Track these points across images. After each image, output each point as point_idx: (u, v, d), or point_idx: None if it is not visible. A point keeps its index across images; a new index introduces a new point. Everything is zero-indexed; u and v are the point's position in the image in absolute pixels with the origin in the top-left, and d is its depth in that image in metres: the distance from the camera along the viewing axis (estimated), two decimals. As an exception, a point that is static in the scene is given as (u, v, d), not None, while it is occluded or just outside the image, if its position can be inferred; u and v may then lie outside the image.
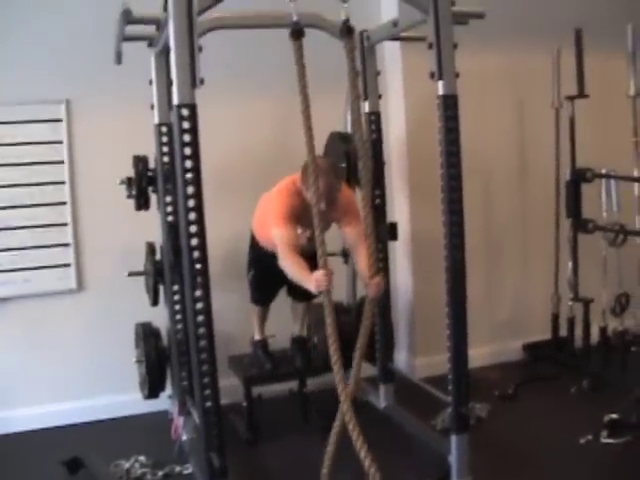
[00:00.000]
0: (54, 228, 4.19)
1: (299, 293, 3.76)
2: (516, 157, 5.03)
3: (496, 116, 4.90)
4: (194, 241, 2.84)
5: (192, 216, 2.83)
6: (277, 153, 4.50)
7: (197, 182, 2.82)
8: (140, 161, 3.83)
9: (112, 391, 4.32)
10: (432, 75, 3.11)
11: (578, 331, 4.77)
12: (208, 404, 2.92)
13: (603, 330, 4.58)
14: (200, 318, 2.88)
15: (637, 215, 4.45)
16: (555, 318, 4.92)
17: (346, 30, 2.94)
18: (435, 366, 4.23)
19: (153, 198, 3.88)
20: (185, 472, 3.54)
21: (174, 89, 2.77)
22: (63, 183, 4.19)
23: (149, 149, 3.81)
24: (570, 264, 4.72)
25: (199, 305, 2.87)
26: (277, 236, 3.38)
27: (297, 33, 2.85)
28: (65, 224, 4.21)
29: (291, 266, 3.28)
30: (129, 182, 3.83)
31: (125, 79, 3.91)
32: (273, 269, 3.51)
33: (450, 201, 3.17)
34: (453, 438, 3.30)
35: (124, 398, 4.29)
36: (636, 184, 4.43)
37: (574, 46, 4.53)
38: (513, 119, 5.00)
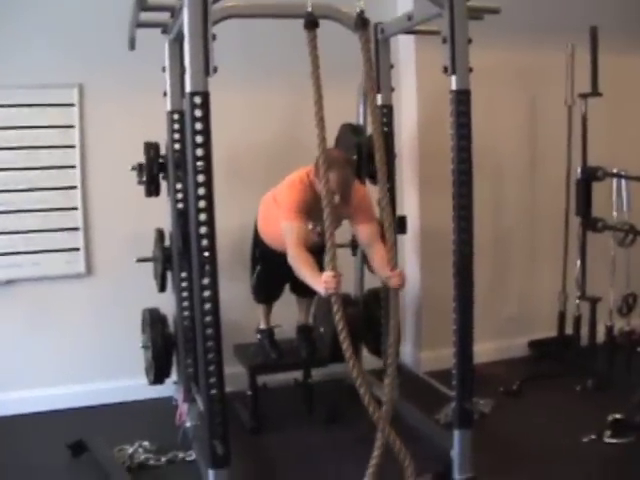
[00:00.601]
0: (64, 212, 4.21)
1: (302, 290, 3.75)
2: (527, 154, 5.01)
3: (508, 112, 4.89)
4: (203, 229, 2.85)
5: (202, 204, 2.83)
6: (288, 143, 4.51)
7: (208, 170, 2.82)
8: (151, 148, 3.84)
9: (117, 376, 4.35)
10: (445, 70, 3.10)
11: (584, 330, 4.76)
12: (213, 392, 2.93)
13: (610, 329, 4.57)
14: (207, 306, 2.89)
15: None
16: (562, 316, 4.91)
17: (361, 22, 2.93)
18: (441, 360, 4.21)
19: (163, 185, 3.89)
20: (188, 459, 3.56)
21: (187, 77, 2.77)
22: (74, 167, 4.21)
23: (161, 136, 3.82)
24: (578, 262, 4.70)
25: (206, 293, 2.88)
26: (287, 230, 3.31)
27: (311, 24, 2.84)
28: (75, 208, 4.23)
29: (300, 264, 3.21)
30: (140, 168, 3.85)
31: (138, 65, 3.93)
32: (277, 268, 3.52)
33: (460, 196, 3.17)
34: (456, 433, 3.31)
35: (129, 383, 4.32)
36: (648, 184, 4.41)
37: (588, 43, 4.49)
38: (525, 116, 4.99)
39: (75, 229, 4.24)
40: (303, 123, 4.47)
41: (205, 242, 2.86)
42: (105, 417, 4.15)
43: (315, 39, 2.85)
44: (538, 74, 4.87)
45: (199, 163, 2.81)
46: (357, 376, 2.86)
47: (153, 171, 3.82)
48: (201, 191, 2.83)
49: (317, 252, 3.32)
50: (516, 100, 4.91)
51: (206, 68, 2.76)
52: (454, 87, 3.11)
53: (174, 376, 4.14)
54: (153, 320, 4.00)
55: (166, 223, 3.92)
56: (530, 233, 5.06)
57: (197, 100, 2.78)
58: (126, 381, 4.33)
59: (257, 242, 3.91)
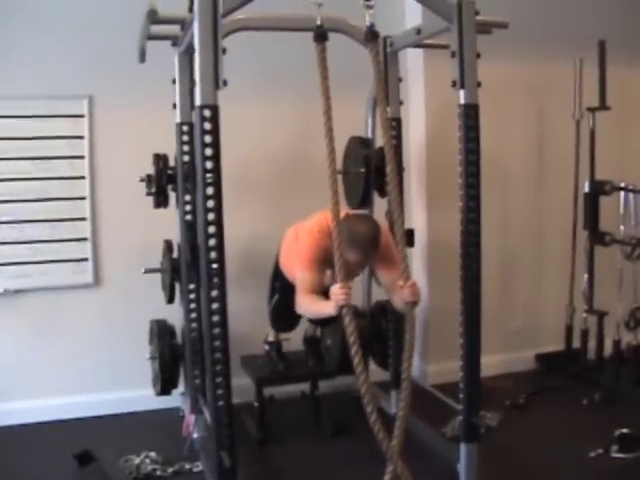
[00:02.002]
0: (73, 222, 4.23)
1: (320, 321, 3.79)
2: (535, 167, 5.02)
3: (516, 126, 4.90)
4: (212, 241, 2.86)
5: (211, 216, 2.84)
6: (296, 156, 4.54)
7: (217, 183, 2.83)
8: (160, 159, 3.86)
9: (124, 386, 4.35)
10: (454, 84, 3.11)
11: (591, 343, 4.75)
12: (220, 403, 2.93)
13: (617, 343, 4.56)
14: (215, 318, 2.89)
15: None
16: (569, 329, 4.91)
17: (371, 35, 2.94)
18: (447, 373, 4.21)
19: (172, 196, 3.91)
20: (195, 470, 3.56)
21: (197, 90, 2.79)
22: (83, 178, 4.23)
23: (169, 147, 3.84)
24: (585, 276, 4.70)
25: (215, 305, 2.88)
26: (299, 279, 3.32)
27: (321, 37, 2.86)
28: (84, 219, 4.25)
29: (307, 307, 3.25)
30: (149, 179, 3.86)
31: (148, 77, 3.94)
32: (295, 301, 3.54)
33: (468, 210, 3.17)
34: (462, 447, 3.30)
35: (136, 394, 4.32)
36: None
37: (597, 57, 4.51)
38: (533, 129, 4.99)
39: (83, 239, 4.26)
40: (312, 135, 4.49)
41: (214, 254, 2.87)
42: (112, 427, 4.15)
43: (324, 52, 2.87)
44: (546, 88, 4.88)
45: (208, 175, 2.82)
46: (365, 393, 2.80)
47: (162, 182, 3.83)
48: (210, 203, 2.84)
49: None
50: (524, 114, 4.92)
51: (216, 81, 2.77)
52: (462, 101, 3.12)
53: (181, 387, 4.15)
54: (161, 331, 4.01)
55: (174, 234, 3.93)
56: (537, 246, 5.06)
57: (207, 113, 2.79)
58: (133, 392, 4.33)
59: (277, 274, 3.88)
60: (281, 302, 3.89)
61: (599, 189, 4.47)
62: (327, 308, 2.98)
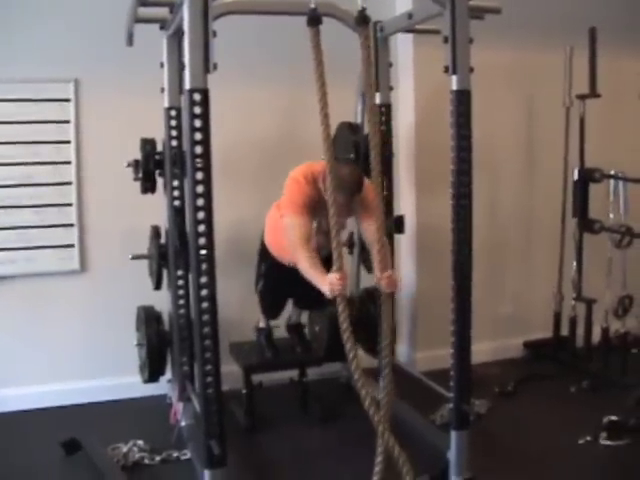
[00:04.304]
0: (59, 208, 4.17)
1: (306, 304, 3.75)
2: (524, 154, 5.00)
3: (505, 112, 4.87)
4: (201, 227, 2.82)
5: (200, 202, 2.81)
6: (283, 141, 4.50)
7: (206, 168, 2.79)
8: (148, 144, 3.81)
9: (111, 373, 4.32)
10: (446, 69, 3.09)
11: (579, 331, 4.76)
12: (210, 391, 2.90)
13: (605, 331, 4.57)
14: (205, 305, 2.87)
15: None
16: (557, 317, 4.91)
17: (362, 19, 2.90)
18: (436, 360, 4.22)
19: (159, 181, 3.86)
20: (183, 458, 3.53)
21: (186, 73, 2.75)
22: (69, 163, 4.17)
23: (157, 132, 3.80)
24: (574, 263, 4.70)
25: (204, 292, 2.86)
26: (290, 226, 3.26)
27: (314, 20, 2.81)
28: (70, 204, 4.19)
29: (305, 262, 3.14)
30: (136, 165, 3.82)
31: (135, 61, 3.88)
32: (281, 284, 3.50)
33: (459, 196, 3.15)
34: (453, 434, 3.29)
35: (123, 381, 4.29)
36: (645, 186, 4.41)
37: (587, 45, 4.49)
38: (523, 116, 4.98)
39: (70, 225, 4.20)
40: (299, 120, 4.49)
41: (203, 240, 2.83)
42: (99, 415, 4.12)
43: (318, 35, 2.82)
44: (536, 74, 4.85)
45: (198, 161, 2.78)
46: (359, 378, 2.83)
47: (149, 168, 3.79)
48: (199, 189, 2.80)
49: (324, 259, 3.26)
50: (513, 100, 4.90)
51: (206, 65, 2.73)
52: (455, 87, 3.09)
53: (168, 374, 4.11)
54: (148, 318, 3.97)
55: (162, 220, 3.89)
56: (526, 234, 5.06)
57: (196, 97, 2.75)
58: (120, 379, 4.30)
59: (264, 256, 3.84)
60: (267, 287, 3.88)
61: (588, 176, 4.46)
62: (322, 286, 2.96)
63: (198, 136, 2.78)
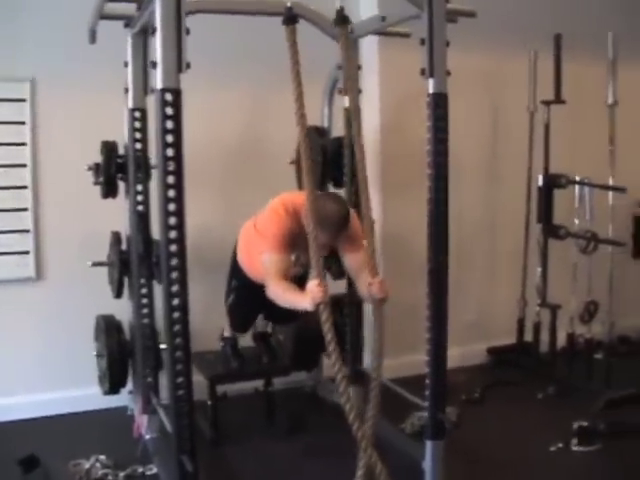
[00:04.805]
0: (13, 213, 3.99)
1: (277, 318, 3.65)
2: (488, 160, 4.99)
3: (468, 117, 4.81)
4: (172, 233, 2.71)
5: (172, 207, 2.70)
6: (248, 145, 4.39)
7: (179, 172, 2.69)
8: (109, 147, 3.66)
9: (68, 385, 4.14)
10: (423, 72, 3.03)
11: (543, 337, 4.76)
12: (181, 405, 2.78)
13: (571, 337, 4.58)
14: (176, 315, 2.76)
15: (610, 224, 4.44)
16: (521, 323, 4.91)
17: (341, 20, 2.83)
18: (401, 368, 4.17)
19: (121, 186, 3.72)
20: (148, 473, 3.39)
21: (158, 72, 2.63)
22: (25, 166, 3.99)
23: (118, 134, 3.66)
24: (539, 269, 4.70)
25: (175, 301, 2.75)
26: (268, 261, 3.12)
27: (290, 19, 2.73)
28: (25, 209, 4.01)
29: (282, 294, 3.03)
30: (97, 168, 3.67)
31: (96, 60, 3.73)
32: (252, 299, 3.41)
33: (436, 202, 3.10)
34: (428, 444, 3.23)
35: (81, 393, 4.12)
36: (610, 193, 4.42)
37: (552, 50, 4.49)
38: (486, 121, 4.96)
39: (25, 231, 4.02)
40: (265, 124, 4.39)
41: (174, 247, 2.72)
42: (57, 429, 3.93)
43: (294, 34, 2.74)
44: (500, 80, 4.85)
45: (169, 164, 2.67)
46: (344, 391, 2.76)
47: (111, 172, 3.64)
48: (171, 193, 2.69)
49: (298, 280, 3.18)
50: (477, 105, 4.87)
51: (179, 63, 2.63)
52: (432, 90, 3.04)
53: (129, 385, 3.96)
54: (108, 327, 3.81)
55: (123, 226, 3.76)
56: (490, 240, 5.04)
57: (169, 97, 2.64)
58: (77, 391, 4.13)
59: (235, 272, 3.67)
60: (237, 302, 3.73)
61: (554, 182, 4.46)
62: (303, 302, 2.83)
63: (170, 138, 2.67)
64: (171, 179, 2.68)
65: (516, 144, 4.86)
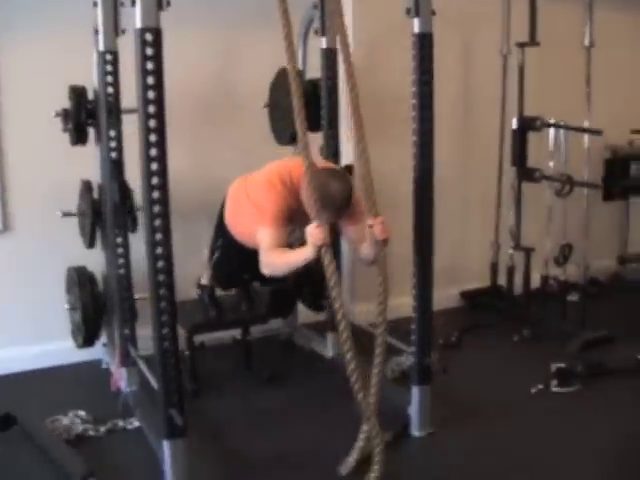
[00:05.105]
0: (-25, 163, 3.80)
1: (264, 279, 3.39)
2: (460, 103, 4.91)
3: (438, 60, 4.67)
4: (155, 180, 2.59)
5: (153, 152, 2.56)
6: (218, 87, 4.24)
7: (160, 115, 2.55)
8: (78, 92, 3.50)
9: (40, 339, 4.01)
10: (408, 11, 2.96)
11: (516, 280, 4.78)
12: (167, 357, 2.70)
13: (545, 279, 4.60)
14: (160, 264, 2.65)
15: (586, 167, 4.43)
16: (494, 266, 4.92)
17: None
18: (374, 313, 4.13)
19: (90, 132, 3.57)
20: (129, 427, 3.31)
21: (137, 11, 2.48)
22: (-14, 114, 3.80)
23: (85, 79, 3.51)
24: (512, 213, 4.69)
25: (159, 250, 2.64)
26: (264, 237, 3.00)
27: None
28: (-12, 159, 3.83)
29: (278, 259, 2.93)
30: (65, 114, 3.51)
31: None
32: (240, 257, 3.31)
33: (422, 144, 3.06)
34: (415, 389, 3.24)
35: (53, 347, 4.01)
36: (586, 136, 4.40)
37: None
38: (457, 64, 4.87)
39: (-11, 182, 3.85)
40: (234, 66, 4.25)
41: (157, 194, 2.60)
42: (31, 385, 3.83)
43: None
44: (472, 21, 4.75)
45: (150, 107, 2.54)
46: (351, 359, 2.73)
47: (81, 118, 3.48)
48: (152, 138, 2.55)
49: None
50: (447, 47, 4.73)
51: (159, 1, 2.49)
52: (417, 30, 2.99)
53: (103, 338, 3.88)
54: (81, 279, 3.70)
55: (94, 174, 3.62)
56: (462, 183, 4.99)
57: (148, 37, 2.49)
58: (50, 345, 4.01)
59: (221, 230, 3.52)
60: (222, 261, 3.60)
61: (528, 125, 4.42)
62: (303, 254, 2.75)
63: (150, 80, 2.52)
64: (152, 123, 2.54)
65: (488, 87, 4.80)
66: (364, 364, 2.82)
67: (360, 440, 2.87)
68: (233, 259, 3.49)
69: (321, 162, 3.33)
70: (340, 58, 3.70)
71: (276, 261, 2.96)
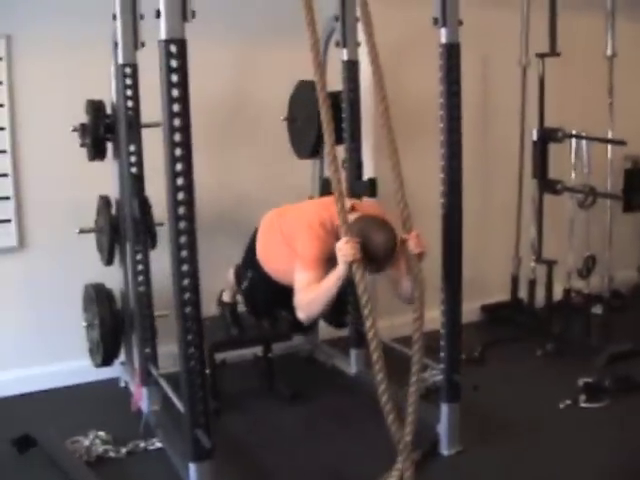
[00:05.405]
0: (-8, 179, 3.74)
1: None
2: (478, 115, 4.85)
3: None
4: (180, 195, 2.54)
5: (179, 167, 2.52)
6: (236, 99, 4.18)
7: (186, 128, 2.51)
8: (95, 106, 3.45)
9: (57, 358, 3.94)
10: (435, 21, 2.92)
11: (537, 293, 4.71)
12: (194, 377, 2.64)
13: (567, 292, 4.52)
14: (186, 282, 2.59)
15: (608, 178, 4.37)
16: (515, 280, 4.85)
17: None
18: (397, 328, 4.06)
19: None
20: (150, 448, 3.24)
21: (162, 22, 2.44)
22: (3, 129, 3.72)
23: (103, 93, 3.47)
24: (534, 225, 4.62)
25: (185, 267, 2.58)
26: (304, 280, 2.83)
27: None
28: (5, 175, 3.75)
29: (314, 297, 2.77)
30: (83, 129, 3.46)
31: (78, 13, 3.51)
32: (270, 290, 3.26)
33: (450, 156, 3.04)
34: (444, 407, 3.17)
35: (70, 366, 3.94)
36: (609, 146, 4.34)
37: (544, 2, 4.36)
38: (475, 75, 4.82)
39: (5, 198, 3.77)
40: (251, 80, 4.19)
41: (182, 210, 2.55)
42: (48, 405, 3.74)
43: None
44: (491, 32, 4.69)
45: (176, 121, 2.49)
46: (384, 391, 2.65)
47: (99, 132, 3.43)
48: (178, 152, 2.51)
49: None
50: (465, 58, 4.72)
51: (184, 12, 2.44)
52: (444, 40, 2.96)
53: (121, 356, 3.81)
54: (99, 296, 3.63)
55: (112, 189, 3.56)
56: (482, 196, 4.92)
57: (173, 49, 2.45)
58: (66, 364, 3.94)
59: (252, 262, 3.36)
60: (252, 293, 3.48)
61: (549, 136, 4.36)
62: (334, 275, 2.66)
63: (176, 92, 2.48)
64: (178, 137, 2.50)
65: (507, 99, 4.73)
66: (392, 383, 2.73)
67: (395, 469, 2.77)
68: (263, 293, 3.39)
69: (357, 204, 3.16)
70: (363, 69, 3.76)
71: (311, 296, 2.79)
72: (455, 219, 3.05)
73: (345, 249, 2.58)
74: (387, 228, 2.80)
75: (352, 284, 2.65)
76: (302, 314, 2.85)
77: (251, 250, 3.37)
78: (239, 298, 3.78)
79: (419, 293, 2.80)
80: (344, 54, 3.68)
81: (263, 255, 3.31)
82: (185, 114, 2.50)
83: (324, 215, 2.94)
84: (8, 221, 3.79)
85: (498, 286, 4.91)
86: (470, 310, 4.89)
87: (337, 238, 2.72)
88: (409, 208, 2.84)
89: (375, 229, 2.75)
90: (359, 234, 2.64)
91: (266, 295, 3.40)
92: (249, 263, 3.41)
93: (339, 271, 2.64)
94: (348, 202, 2.82)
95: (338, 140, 3.77)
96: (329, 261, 2.81)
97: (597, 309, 4.52)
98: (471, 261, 4.89)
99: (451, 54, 2.92)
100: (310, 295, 2.78)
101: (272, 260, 3.24)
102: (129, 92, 3.27)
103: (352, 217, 2.76)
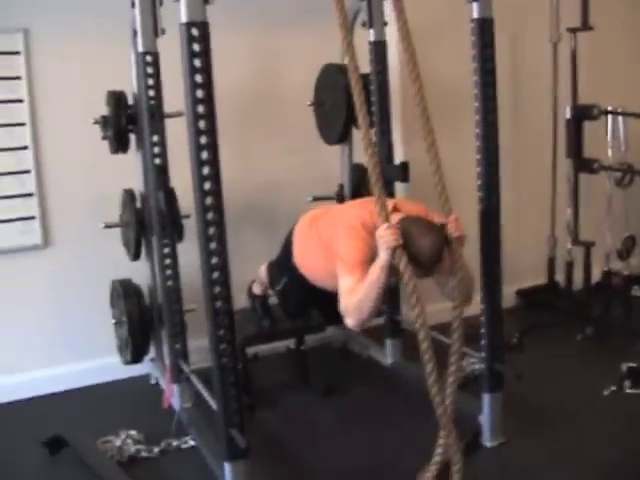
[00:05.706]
0: (15, 176, 3.66)
1: (332, 315, 3.04)
2: (509, 93, 4.69)
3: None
4: (207, 185, 2.44)
5: (205, 156, 2.42)
6: (260, 87, 4.07)
7: (211, 115, 2.41)
8: (117, 97, 3.36)
9: (84, 356, 3.88)
10: (467, -5, 2.78)
11: (575, 276, 4.57)
12: (227, 374, 2.55)
13: (606, 274, 4.37)
14: (216, 275, 2.50)
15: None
16: (551, 262, 4.71)
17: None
18: (431, 314, 3.94)
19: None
20: (184, 446, 3.16)
21: (182, 5, 2.33)
22: (23, 125, 3.65)
23: (123, 84, 3.38)
24: (570, 206, 4.47)
25: (214, 260, 2.49)
26: (349, 284, 2.64)
27: None
28: (27, 171, 3.69)
29: (362, 296, 2.58)
30: (105, 121, 3.37)
31: (95, 5, 3.42)
32: (305, 293, 3.15)
33: (486, 137, 2.90)
34: (486, 397, 3.06)
35: (98, 364, 3.88)
36: (645, 122, 4.19)
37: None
38: (505, 53, 4.65)
39: (29, 195, 3.70)
40: (276, 67, 4.09)
41: (210, 200, 2.45)
42: (77, 404, 3.69)
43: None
44: (519, 8, 4.54)
45: (200, 107, 2.39)
46: (433, 383, 2.56)
47: (121, 124, 3.35)
48: (203, 140, 2.41)
49: None
50: (496, 37, 4.59)
51: (205, -7, 2.34)
52: (476, 15, 2.84)
53: (151, 353, 3.73)
54: (127, 292, 3.55)
55: (137, 182, 3.48)
56: (515, 177, 4.74)
57: (195, 32, 2.35)
58: (95, 362, 3.89)
59: (288, 265, 3.19)
60: (287, 295, 3.33)
61: (584, 114, 4.21)
62: (377, 268, 2.51)
63: (199, 78, 2.38)
64: (203, 124, 2.40)
65: (538, 76, 4.58)
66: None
67: (437, 455, 2.66)
68: (297, 296, 3.27)
69: (399, 202, 2.96)
70: (391, 50, 3.64)
71: (358, 297, 2.59)
72: (493, 200, 2.92)
73: (386, 235, 2.46)
74: (434, 231, 2.63)
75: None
76: (351, 320, 2.66)
77: (286, 253, 3.21)
78: (270, 291, 3.68)
79: (459, 278, 2.67)
80: (371, 35, 3.56)
81: (302, 259, 3.13)
82: (209, 100, 2.40)
83: (365, 216, 2.76)
84: (32, 218, 3.73)
85: (533, 269, 4.76)
86: (505, 295, 4.66)
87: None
88: (447, 191, 2.69)
89: (422, 232, 2.58)
90: (406, 238, 2.50)
91: (300, 299, 3.29)
92: (284, 266, 3.25)
93: (382, 260, 2.50)
94: (389, 202, 2.68)
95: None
96: (372, 260, 2.64)
97: (637, 291, 4.39)
98: (504, 244, 4.79)
99: (484, 30, 2.80)
100: (356, 296, 2.60)
101: (309, 263, 3.09)
102: (150, 81, 3.17)
103: (395, 218, 2.62)
